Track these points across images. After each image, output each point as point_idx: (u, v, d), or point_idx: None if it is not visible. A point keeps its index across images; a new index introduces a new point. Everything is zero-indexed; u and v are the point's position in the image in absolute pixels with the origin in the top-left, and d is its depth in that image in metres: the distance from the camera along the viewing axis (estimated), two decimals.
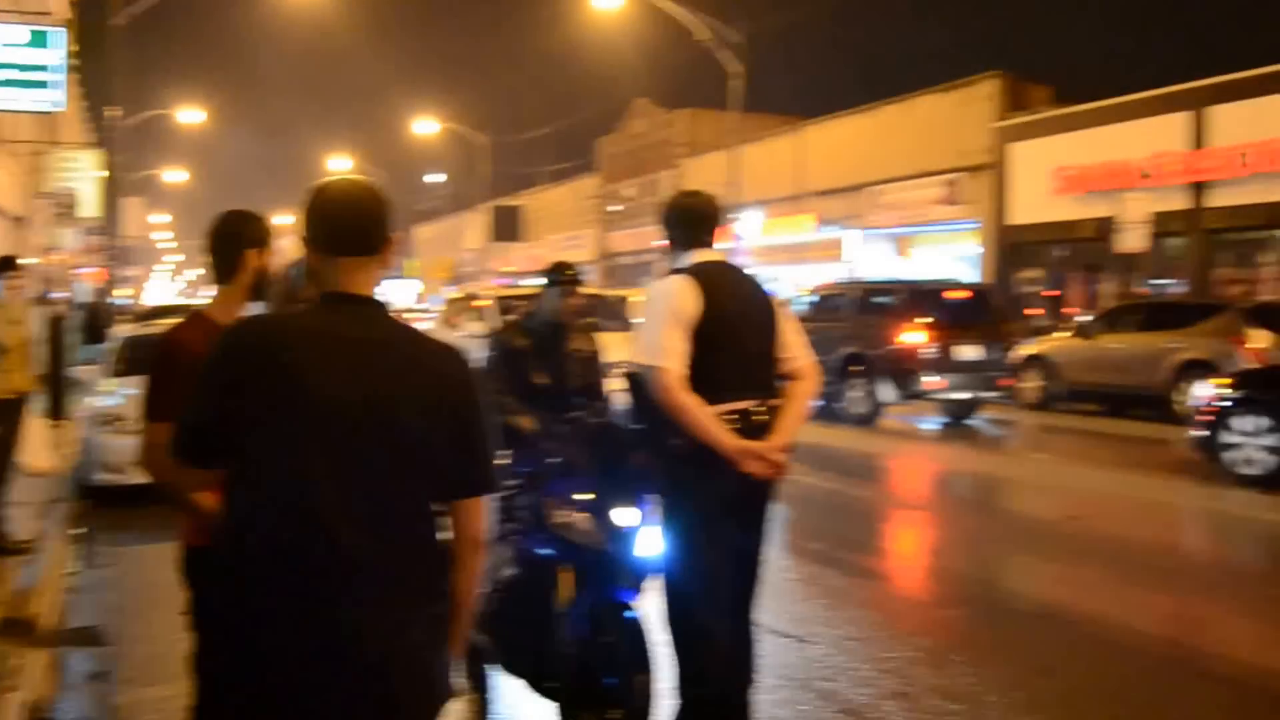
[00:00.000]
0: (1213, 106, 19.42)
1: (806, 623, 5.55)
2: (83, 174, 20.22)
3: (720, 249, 3.74)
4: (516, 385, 4.36)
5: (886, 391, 14.25)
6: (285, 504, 1.92)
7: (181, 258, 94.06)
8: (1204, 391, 10.44)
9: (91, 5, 23.79)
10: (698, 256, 3.60)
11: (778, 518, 3.74)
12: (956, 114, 24.90)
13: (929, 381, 13.96)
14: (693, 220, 3.68)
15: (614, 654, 3.60)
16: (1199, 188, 19.62)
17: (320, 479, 1.92)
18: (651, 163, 38.18)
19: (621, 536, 3.56)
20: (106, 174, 23.46)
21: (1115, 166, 20.75)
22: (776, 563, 5.96)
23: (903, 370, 14.02)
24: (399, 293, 46.49)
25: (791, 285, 22.48)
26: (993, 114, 24.16)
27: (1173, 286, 20.04)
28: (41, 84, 11.36)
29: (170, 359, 2.78)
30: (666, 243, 3.71)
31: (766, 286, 3.73)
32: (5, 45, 11.23)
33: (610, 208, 41.23)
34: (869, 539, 8.20)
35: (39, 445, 8.31)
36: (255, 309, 2.94)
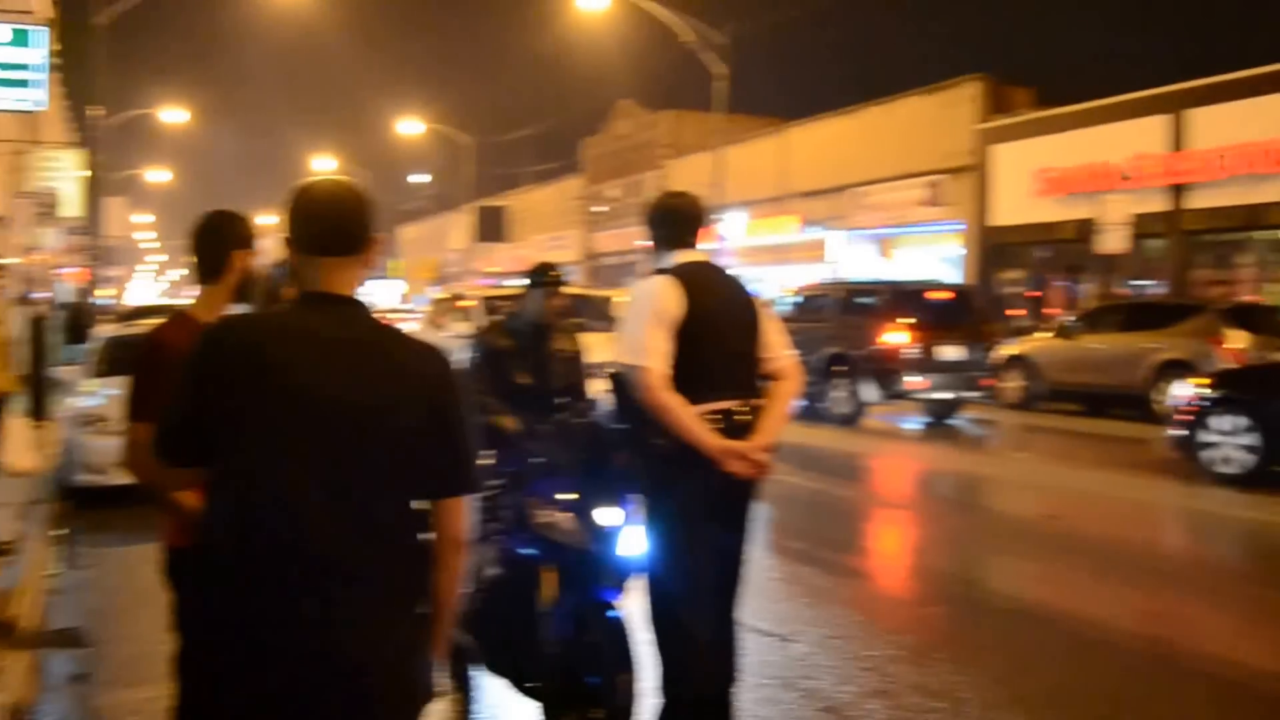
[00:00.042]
0: (1192, 109, 19.59)
1: (789, 621, 5.58)
2: (65, 173, 20.07)
3: (704, 250, 3.75)
4: (499, 386, 4.38)
5: (869, 391, 14.31)
6: (265, 503, 1.92)
7: (164, 258, 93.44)
8: (1183, 391, 10.53)
9: (74, 4, 23.64)
10: (681, 257, 3.61)
11: (760, 517, 3.76)
12: (939, 116, 25.02)
13: (911, 381, 14.03)
14: (677, 221, 3.70)
15: (597, 653, 3.61)
16: (1178, 190, 19.78)
17: (300, 478, 1.93)
18: (636, 164, 38.20)
19: (604, 536, 3.57)
20: (89, 173, 23.29)
21: (1096, 168, 20.90)
22: (759, 562, 5.98)
23: (885, 370, 14.09)
24: (383, 293, 46.34)
25: (775, 286, 22.53)
26: (975, 116, 24.29)
27: (1152, 287, 20.20)
28: (23, 83, 11.27)
29: (154, 359, 2.78)
30: (650, 243, 3.73)
31: (749, 287, 3.75)
32: None
33: (595, 208, 41.23)
34: (851, 538, 8.24)
35: (20, 446, 8.27)
36: (239, 309, 2.94)
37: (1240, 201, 18.63)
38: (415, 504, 2.07)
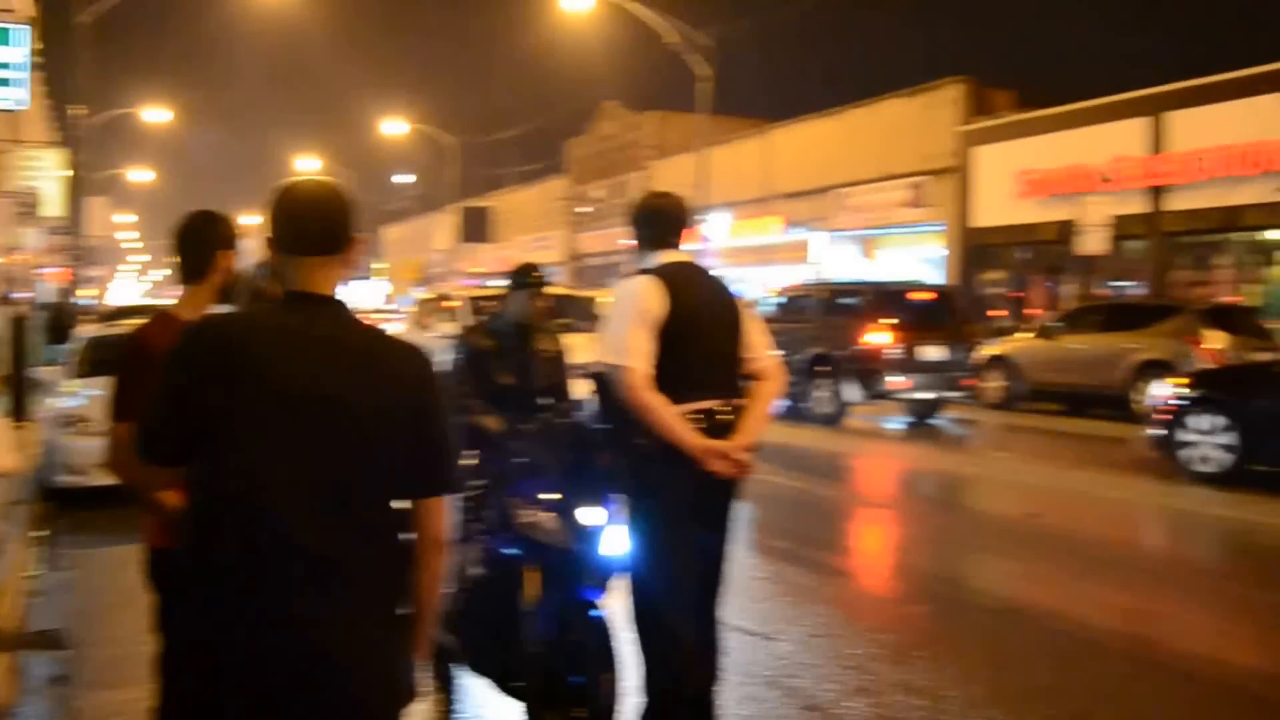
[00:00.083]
0: (1171, 112, 19.74)
1: (771, 620, 5.60)
2: (46, 173, 19.91)
3: (688, 250, 3.78)
4: (482, 386, 4.38)
5: (852, 391, 14.37)
6: (245, 502, 1.92)
7: (147, 258, 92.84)
8: (1161, 391, 10.63)
9: (56, 3, 23.49)
10: (665, 257, 3.63)
11: (743, 516, 3.78)
12: (921, 118, 25.13)
13: (894, 381, 14.09)
14: (660, 221, 3.72)
15: (580, 653, 3.61)
16: (1158, 192, 19.93)
17: (281, 477, 1.93)
18: (620, 165, 38.20)
19: (587, 536, 3.58)
20: (70, 173, 23.13)
21: (1076, 170, 21.03)
22: (741, 561, 6.01)
23: (868, 370, 14.15)
24: (367, 293, 46.19)
25: (759, 286, 22.59)
26: (957, 118, 24.40)
27: (1132, 288, 20.34)
28: (4, 81, 11.22)
29: (138, 359, 2.78)
30: (634, 243, 3.75)
31: (732, 287, 3.77)
32: None
33: (579, 209, 41.19)
34: (833, 537, 8.28)
35: (1, 446, 8.21)
36: (222, 309, 2.94)
37: (1219, 203, 18.78)
38: (395, 504, 2.07)
